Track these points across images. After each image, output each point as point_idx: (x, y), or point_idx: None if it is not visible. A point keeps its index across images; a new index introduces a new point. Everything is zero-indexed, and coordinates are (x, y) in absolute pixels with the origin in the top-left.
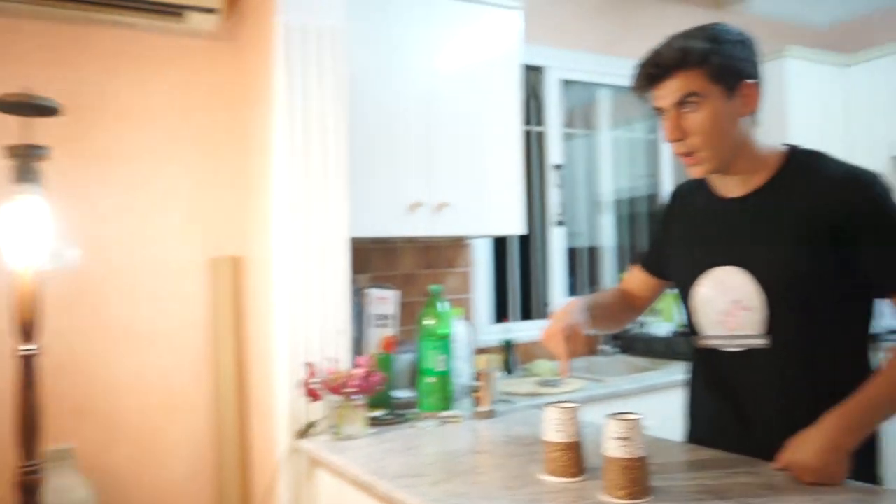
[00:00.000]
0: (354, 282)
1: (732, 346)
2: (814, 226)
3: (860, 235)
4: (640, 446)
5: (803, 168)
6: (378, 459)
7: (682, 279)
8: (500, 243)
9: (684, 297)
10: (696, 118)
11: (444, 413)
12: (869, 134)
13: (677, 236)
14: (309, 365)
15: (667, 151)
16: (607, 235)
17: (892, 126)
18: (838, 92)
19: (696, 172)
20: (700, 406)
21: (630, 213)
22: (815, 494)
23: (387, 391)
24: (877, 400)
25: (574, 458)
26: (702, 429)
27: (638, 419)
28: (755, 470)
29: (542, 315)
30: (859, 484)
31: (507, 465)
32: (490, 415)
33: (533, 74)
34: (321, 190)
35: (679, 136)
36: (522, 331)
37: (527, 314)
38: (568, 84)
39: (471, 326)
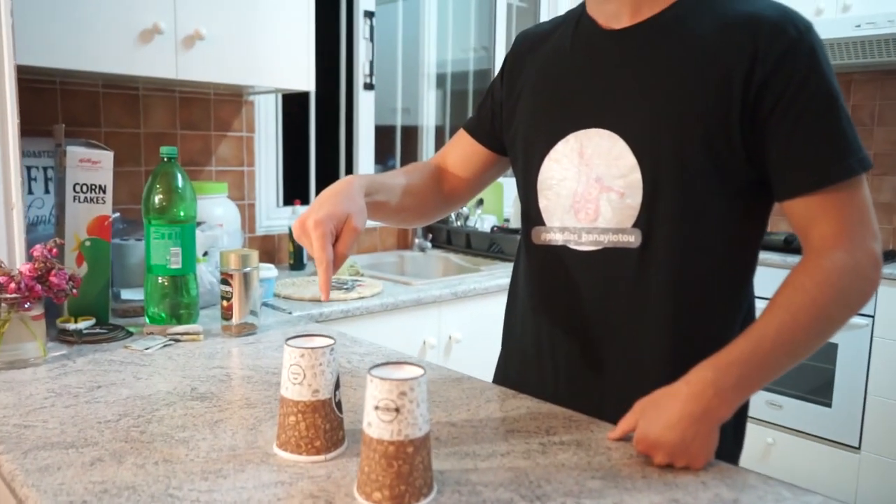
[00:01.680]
0: (53, 135)
1: (584, 244)
2: (721, 78)
3: (780, 100)
4: (415, 422)
5: None
6: (32, 409)
7: (525, 148)
8: (295, 106)
9: (526, 174)
10: None
11: (178, 328)
12: None
13: (523, 90)
14: None
15: (503, 18)
16: (429, 115)
17: None
18: None
19: None
20: (523, 330)
21: (457, 90)
22: (668, 492)
23: (101, 293)
24: (765, 353)
25: (318, 427)
26: (519, 362)
27: (417, 378)
28: (584, 439)
29: None
30: (728, 467)
31: (231, 423)
32: (245, 330)
33: None
34: None
35: None
36: None
37: None
38: None
39: (237, 208)
